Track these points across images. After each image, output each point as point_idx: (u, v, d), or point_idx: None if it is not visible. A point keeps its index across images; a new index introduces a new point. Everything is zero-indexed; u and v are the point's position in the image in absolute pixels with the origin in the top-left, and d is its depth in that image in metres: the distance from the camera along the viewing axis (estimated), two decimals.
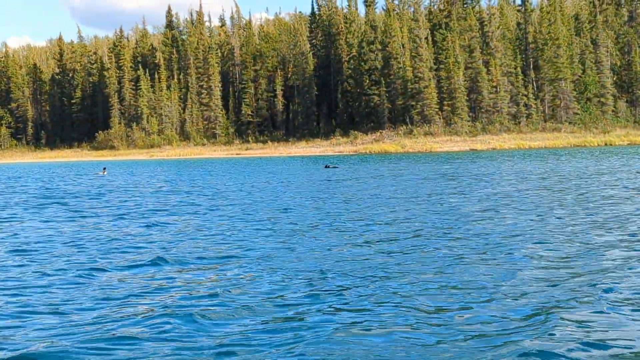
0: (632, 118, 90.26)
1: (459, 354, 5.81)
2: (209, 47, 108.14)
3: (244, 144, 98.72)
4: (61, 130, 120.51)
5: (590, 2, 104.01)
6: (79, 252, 11.43)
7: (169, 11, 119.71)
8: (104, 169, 45.16)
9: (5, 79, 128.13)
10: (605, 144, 76.14)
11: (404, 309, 7.11)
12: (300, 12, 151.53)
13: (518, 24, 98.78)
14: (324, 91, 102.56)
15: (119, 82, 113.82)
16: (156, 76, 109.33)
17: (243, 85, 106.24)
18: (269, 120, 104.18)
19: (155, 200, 21.06)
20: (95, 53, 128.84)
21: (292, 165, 51.13)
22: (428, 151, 75.84)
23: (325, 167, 41.89)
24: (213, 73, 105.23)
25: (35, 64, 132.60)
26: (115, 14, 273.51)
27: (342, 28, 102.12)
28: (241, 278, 8.75)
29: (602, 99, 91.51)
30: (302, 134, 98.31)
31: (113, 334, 6.51)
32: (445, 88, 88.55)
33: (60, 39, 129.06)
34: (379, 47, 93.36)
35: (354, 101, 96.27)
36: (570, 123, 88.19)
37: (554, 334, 6.14)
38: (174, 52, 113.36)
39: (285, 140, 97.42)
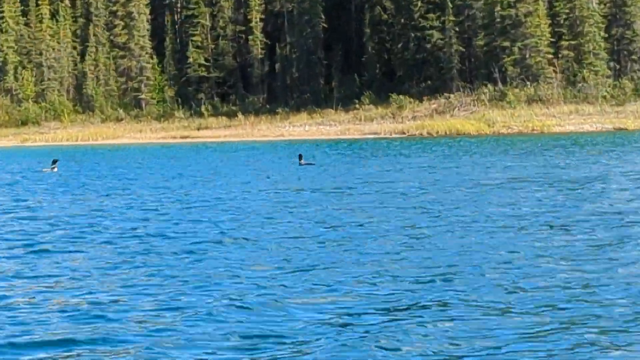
0: None
1: None
2: None
3: (193, 118, 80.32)
4: None
5: None
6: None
7: None
8: (55, 161, 38.83)
9: None
10: None
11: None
12: None
13: None
14: (339, 23, 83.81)
15: None
16: None
17: (190, 13, 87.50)
18: (238, 77, 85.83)
19: None
20: None
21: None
22: (537, 132, 64.68)
23: (299, 157, 33.17)
24: None
25: None
26: None
27: None
28: None
29: None
30: (300, 102, 79.72)
31: None
32: (564, 17, 73.04)
33: None
34: None
35: (394, 42, 79.38)
36: None
37: None
38: None
39: (270, 112, 78.76)
